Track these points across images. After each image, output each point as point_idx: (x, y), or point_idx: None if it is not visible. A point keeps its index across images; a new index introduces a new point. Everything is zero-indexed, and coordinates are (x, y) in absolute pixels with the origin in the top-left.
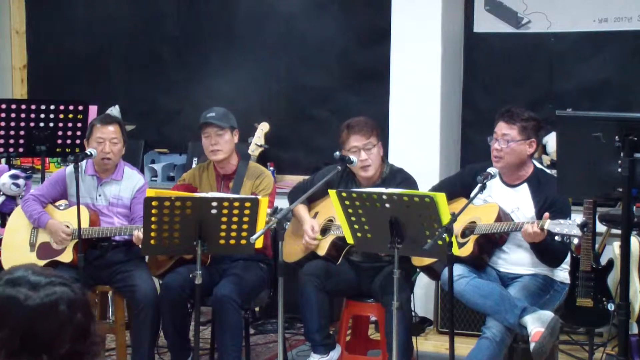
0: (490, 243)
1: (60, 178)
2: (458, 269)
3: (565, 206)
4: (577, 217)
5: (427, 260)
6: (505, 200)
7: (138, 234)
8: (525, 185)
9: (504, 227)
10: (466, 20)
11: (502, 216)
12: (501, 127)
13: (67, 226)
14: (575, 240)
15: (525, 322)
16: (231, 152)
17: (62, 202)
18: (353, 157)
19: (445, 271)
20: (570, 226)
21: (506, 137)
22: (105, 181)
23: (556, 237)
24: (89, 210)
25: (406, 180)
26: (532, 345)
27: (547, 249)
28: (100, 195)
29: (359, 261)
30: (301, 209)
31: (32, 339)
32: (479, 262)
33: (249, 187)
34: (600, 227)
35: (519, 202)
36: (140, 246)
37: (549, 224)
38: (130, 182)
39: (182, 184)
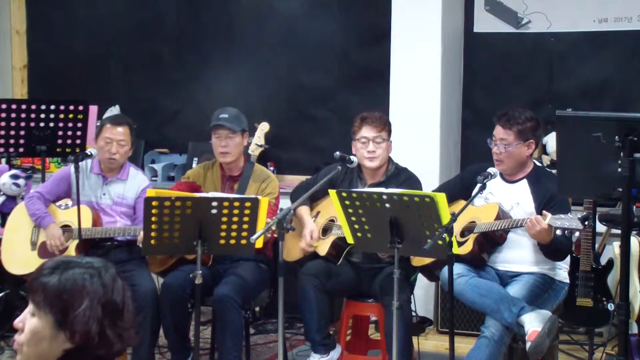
0: (490, 242)
1: (65, 176)
2: (457, 268)
3: (565, 202)
4: (578, 212)
5: (426, 260)
6: (505, 196)
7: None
8: (524, 181)
9: (503, 225)
10: (466, 20)
11: (501, 215)
12: (499, 132)
13: (68, 225)
14: (577, 234)
15: (522, 321)
16: (239, 155)
17: (64, 201)
18: (353, 157)
19: (445, 270)
20: (571, 220)
21: (504, 142)
22: (110, 180)
23: (557, 231)
24: (91, 210)
25: (410, 178)
26: (528, 345)
27: (552, 244)
28: (104, 194)
29: (359, 262)
30: (303, 210)
31: (111, 304)
32: (479, 261)
33: (254, 189)
34: (600, 227)
35: (519, 198)
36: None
37: (550, 219)
38: (135, 183)
39: (186, 181)
